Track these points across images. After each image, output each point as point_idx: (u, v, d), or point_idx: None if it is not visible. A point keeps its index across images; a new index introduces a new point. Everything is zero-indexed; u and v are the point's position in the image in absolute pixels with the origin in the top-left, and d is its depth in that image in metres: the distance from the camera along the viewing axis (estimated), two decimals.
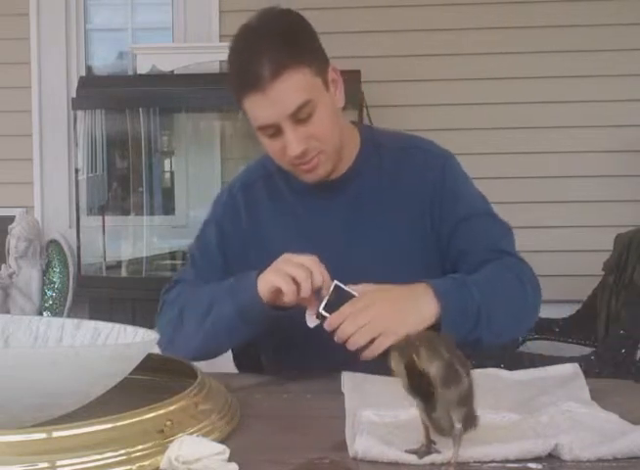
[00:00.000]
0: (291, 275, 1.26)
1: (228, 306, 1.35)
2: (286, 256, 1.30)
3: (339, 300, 1.27)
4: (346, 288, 1.27)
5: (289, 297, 1.26)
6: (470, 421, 0.92)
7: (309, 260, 1.27)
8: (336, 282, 1.27)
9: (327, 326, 1.26)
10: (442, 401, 0.90)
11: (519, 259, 1.45)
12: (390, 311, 1.26)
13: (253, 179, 1.56)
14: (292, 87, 1.33)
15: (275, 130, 1.37)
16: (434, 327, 1.27)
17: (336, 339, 1.25)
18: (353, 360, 1.27)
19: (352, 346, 1.24)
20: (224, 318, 1.35)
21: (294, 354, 1.47)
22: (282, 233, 1.50)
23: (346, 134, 1.49)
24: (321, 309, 1.26)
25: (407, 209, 1.47)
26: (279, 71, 1.31)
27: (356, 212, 1.48)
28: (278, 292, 1.28)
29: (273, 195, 1.53)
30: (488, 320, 1.32)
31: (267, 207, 1.53)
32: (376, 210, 1.48)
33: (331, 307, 1.26)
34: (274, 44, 1.33)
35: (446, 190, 1.47)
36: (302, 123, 1.36)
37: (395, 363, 0.93)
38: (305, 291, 1.26)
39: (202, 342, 1.38)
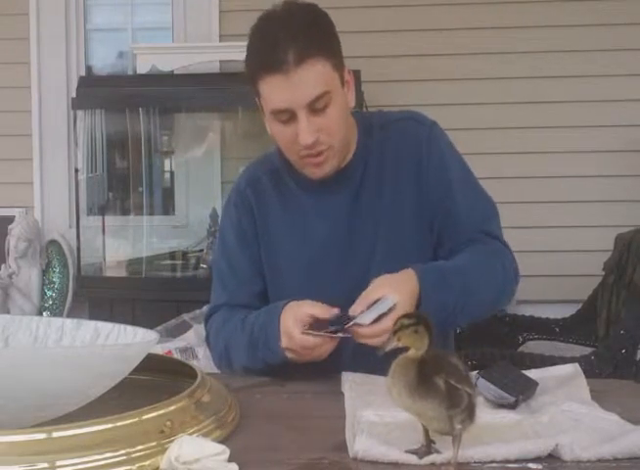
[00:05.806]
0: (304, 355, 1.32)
1: (266, 359, 1.40)
2: (287, 335, 1.32)
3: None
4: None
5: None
6: (469, 418, 0.93)
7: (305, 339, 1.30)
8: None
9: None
10: (442, 417, 0.91)
11: (504, 246, 1.48)
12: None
13: (258, 175, 1.57)
14: (313, 76, 1.35)
15: (289, 116, 1.38)
16: None
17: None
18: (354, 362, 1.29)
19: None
20: (269, 364, 1.40)
21: None
22: (289, 226, 1.52)
23: (351, 130, 1.51)
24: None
25: (401, 181, 1.49)
26: (303, 59, 1.33)
27: (358, 200, 1.50)
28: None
29: (280, 188, 1.55)
30: (463, 310, 1.37)
31: (275, 200, 1.54)
32: (376, 192, 1.50)
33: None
34: (300, 32, 1.35)
35: (432, 158, 1.49)
36: (317, 114, 1.38)
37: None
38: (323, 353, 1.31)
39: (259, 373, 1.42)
